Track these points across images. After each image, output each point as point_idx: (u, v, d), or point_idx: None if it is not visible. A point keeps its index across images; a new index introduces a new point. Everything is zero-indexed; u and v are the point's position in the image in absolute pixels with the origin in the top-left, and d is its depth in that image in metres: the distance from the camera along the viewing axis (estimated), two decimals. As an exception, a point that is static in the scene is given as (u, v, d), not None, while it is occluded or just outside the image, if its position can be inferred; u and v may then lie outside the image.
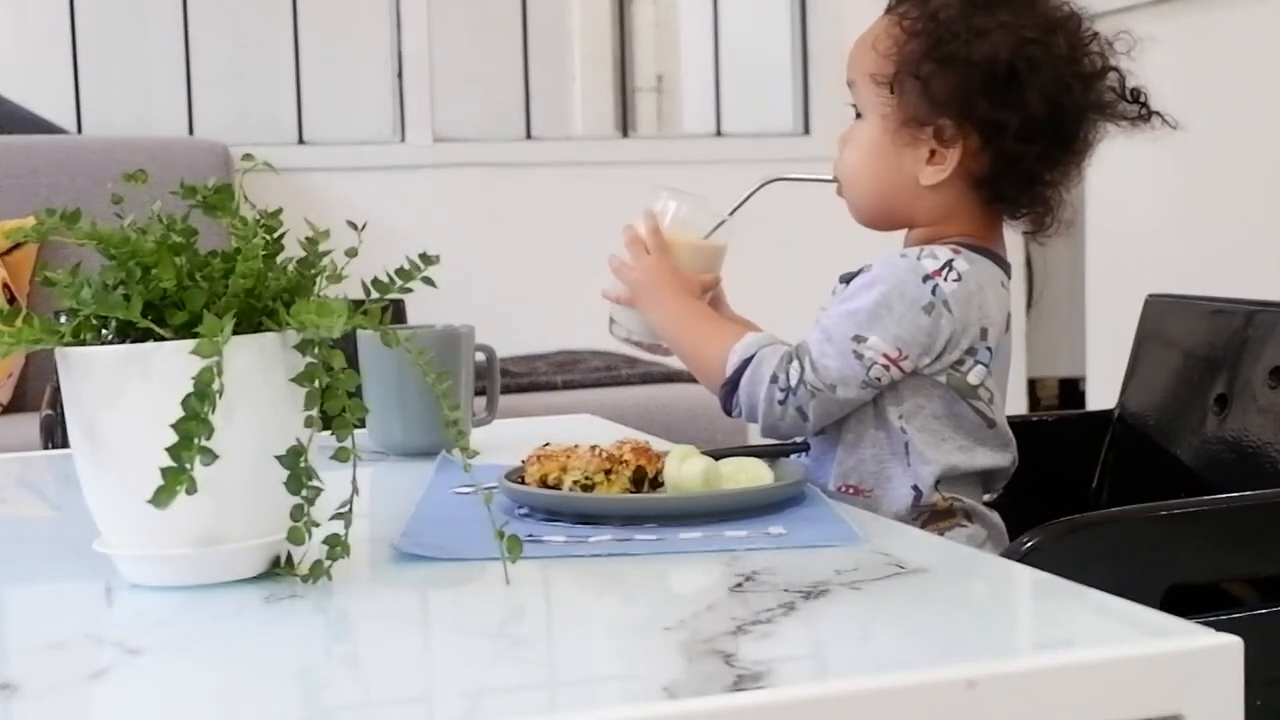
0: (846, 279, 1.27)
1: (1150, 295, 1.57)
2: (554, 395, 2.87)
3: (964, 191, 1.25)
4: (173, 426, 0.79)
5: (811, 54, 3.77)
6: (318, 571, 0.88)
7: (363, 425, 1.37)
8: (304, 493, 0.86)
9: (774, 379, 1.21)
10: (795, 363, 1.21)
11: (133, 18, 3.94)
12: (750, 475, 1.08)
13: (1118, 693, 0.71)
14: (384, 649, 0.79)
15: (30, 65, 3.76)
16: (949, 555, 0.95)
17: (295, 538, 0.87)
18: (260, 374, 0.86)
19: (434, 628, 0.85)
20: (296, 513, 0.87)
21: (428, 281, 0.91)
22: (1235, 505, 1.20)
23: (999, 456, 1.25)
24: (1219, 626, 0.72)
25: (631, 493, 1.05)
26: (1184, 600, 0.99)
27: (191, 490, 0.78)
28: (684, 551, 0.95)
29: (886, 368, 1.19)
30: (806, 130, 3.77)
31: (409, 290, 0.91)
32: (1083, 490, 1.53)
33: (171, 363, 0.83)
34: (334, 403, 0.88)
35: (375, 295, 0.90)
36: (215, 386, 0.80)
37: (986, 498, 1.28)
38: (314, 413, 0.88)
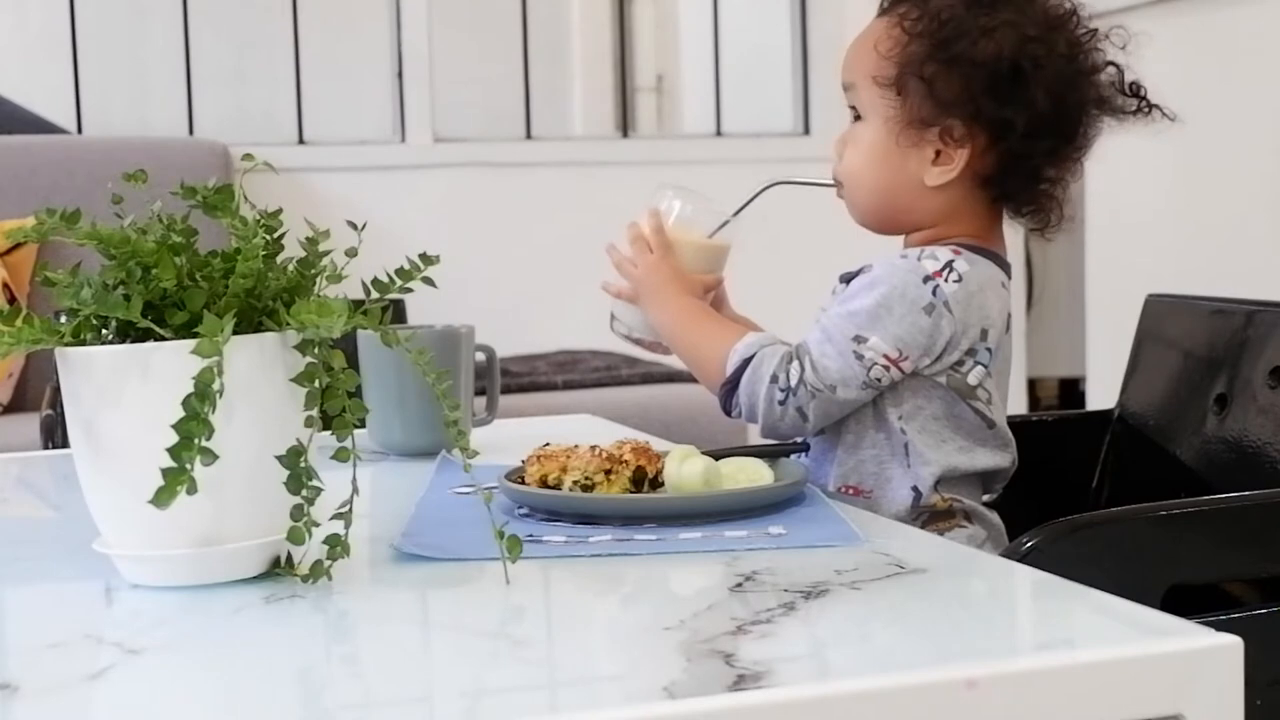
0: (846, 279, 1.27)
1: (1150, 295, 1.57)
2: (554, 395, 2.87)
3: (969, 191, 1.25)
4: (173, 426, 0.79)
5: (811, 54, 3.77)
6: (318, 571, 0.88)
7: (363, 425, 1.37)
8: (304, 493, 0.86)
9: (774, 379, 1.21)
10: (795, 363, 1.21)
11: (133, 18, 3.94)
12: (750, 475, 1.08)
13: (1118, 693, 0.71)
14: (384, 649, 0.79)
15: (30, 65, 3.77)
16: (949, 555, 0.95)
17: (295, 538, 0.87)
18: (260, 374, 0.86)
19: (434, 628, 0.85)
20: (296, 513, 0.87)
21: (428, 281, 0.91)
22: (1235, 505, 1.20)
23: (999, 457, 1.25)
24: (1219, 626, 0.72)
25: (631, 493, 1.05)
26: (1184, 600, 0.99)
27: (191, 490, 0.78)
28: (684, 551, 0.95)
29: (887, 368, 1.19)
30: (806, 130, 3.77)
31: (409, 290, 0.91)
32: (1083, 490, 1.53)
33: (171, 363, 0.83)
34: (334, 403, 0.88)
35: (375, 295, 0.90)
36: (215, 386, 0.80)
37: (986, 498, 1.28)
38: (314, 413, 0.88)
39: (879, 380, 1.20)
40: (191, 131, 3.42)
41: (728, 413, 1.26)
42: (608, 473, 1.05)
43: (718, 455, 1.10)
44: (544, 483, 1.06)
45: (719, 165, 3.45)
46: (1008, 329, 1.25)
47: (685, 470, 1.05)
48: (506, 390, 2.65)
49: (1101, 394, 3.06)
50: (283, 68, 3.50)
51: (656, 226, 1.34)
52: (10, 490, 1.41)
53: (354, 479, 0.89)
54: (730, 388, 1.24)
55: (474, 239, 3.40)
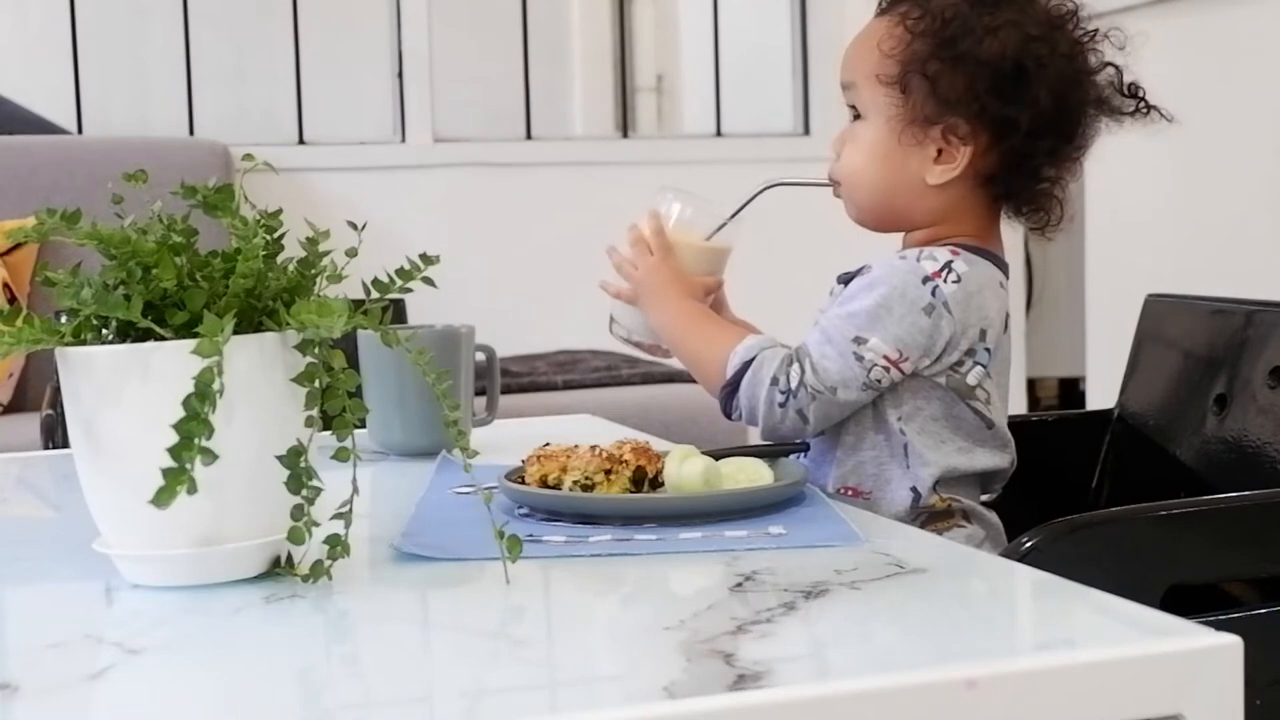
0: (844, 280, 1.27)
1: (1150, 295, 1.57)
2: (554, 395, 2.87)
3: (969, 190, 1.25)
4: (173, 426, 0.79)
5: (811, 54, 3.77)
6: (318, 571, 0.88)
7: (363, 425, 1.37)
8: (304, 493, 0.86)
9: (774, 381, 1.21)
10: (795, 365, 1.21)
11: (133, 18, 3.94)
12: (750, 475, 1.08)
13: (1118, 693, 0.71)
14: (384, 649, 0.79)
15: (30, 65, 3.77)
16: (948, 555, 0.95)
17: (295, 538, 0.87)
18: (260, 374, 0.86)
19: (434, 628, 0.85)
20: (296, 513, 0.87)
21: (428, 281, 0.91)
22: (1235, 505, 1.20)
23: (998, 457, 1.25)
24: (1219, 626, 0.72)
25: (631, 493, 1.05)
26: (1184, 600, 0.99)
27: (192, 490, 0.78)
28: (684, 551, 0.95)
29: (887, 369, 1.20)
30: (806, 130, 3.77)
31: (409, 290, 0.91)
32: (1083, 490, 1.53)
33: (172, 363, 0.83)
34: (334, 403, 0.88)
35: (375, 295, 0.90)
36: (215, 386, 0.80)
37: (984, 498, 1.28)
38: (314, 413, 0.88)
39: (879, 381, 1.20)
40: (191, 131, 3.42)
41: (728, 415, 1.26)
42: (608, 473, 1.05)
43: (718, 455, 1.10)
44: (544, 483, 1.06)
45: (719, 165, 3.45)
46: (1006, 329, 1.25)
47: (685, 470, 1.05)
48: (506, 390, 2.65)
49: (1101, 394, 3.06)
50: (283, 68, 3.50)
51: (657, 229, 1.34)
52: (10, 490, 1.41)
53: (354, 479, 0.89)
54: (730, 390, 1.24)
55: (474, 239, 3.40)
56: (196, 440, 0.79)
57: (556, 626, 0.82)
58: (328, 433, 0.88)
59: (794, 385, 1.20)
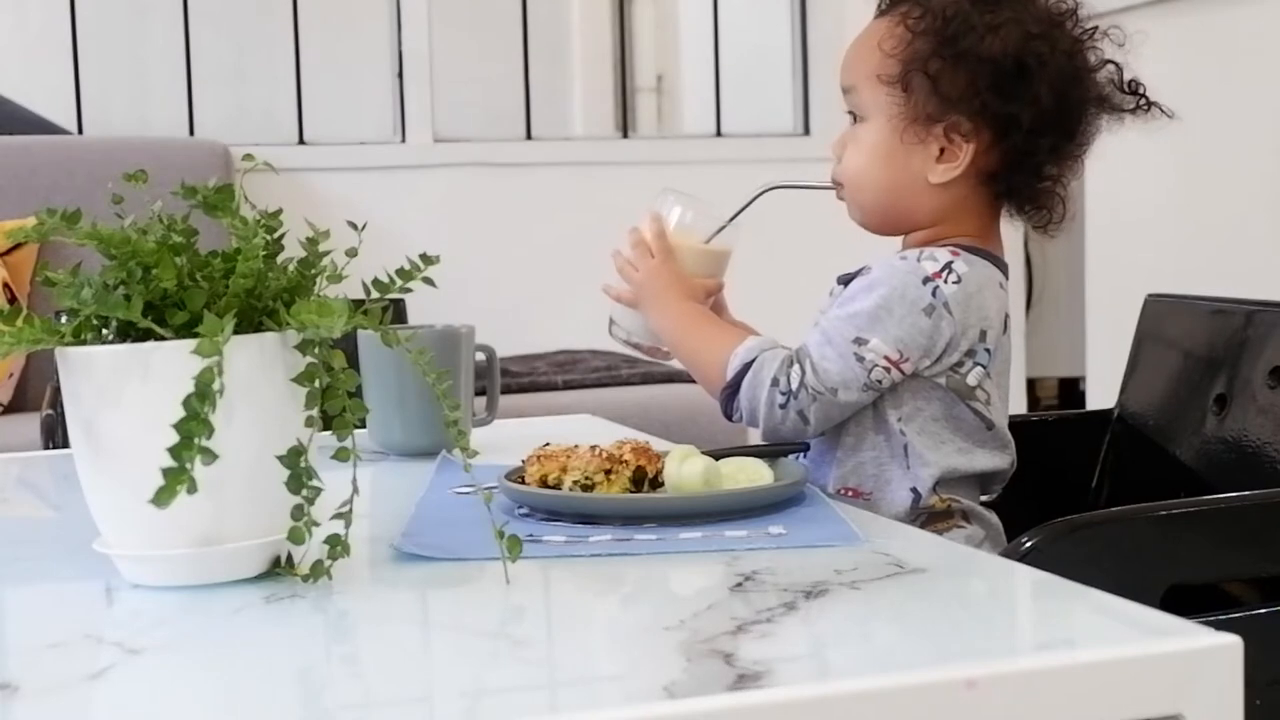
0: (844, 280, 1.28)
1: (1150, 295, 1.57)
2: (554, 395, 2.87)
3: (971, 189, 1.25)
4: (173, 426, 0.79)
5: (811, 54, 3.77)
6: (318, 571, 0.88)
7: (363, 425, 1.37)
8: (304, 493, 0.86)
9: (775, 383, 1.21)
10: (796, 366, 1.21)
11: (133, 18, 3.94)
12: (750, 475, 1.08)
13: (1118, 693, 0.71)
14: (384, 649, 0.79)
15: (30, 65, 3.76)
16: (948, 555, 0.95)
17: (295, 538, 0.87)
18: (260, 374, 0.86)
19: (434, 628, 0.85)
20: (297, 513, 0.87)
21: (428, 281, 0.91)
22: (1235, 505, 1.20)
23: (998, 458, 1.25)
24: (1219, 626, 0.72)
25: (631, 493, 1.05)
26: (1184, 600, 0.99)
27: (192, 490, 0.78)
28: (684, 551, 0.95)
29: (887, 370, 1.20)
30: (806, 131, 3.77)
31: (409, 290, 0.91)
32: (1083, 490, 1.53)
33: (172, 363, 0.83)
34: (334, 403, 0.88)
35: (375, 295, 0.90)
36: (215, 386, 0.80)
37: (983, 498, 1.28)
38: (314, 413, 0.88)
39: (880, 382, 1.20)
40: (192, 131, 3.42)
41: (729, 417, 1.26)
42: (608, 473, 1.05)
43: (718, 455, 1.10)
44: (544, 483, 1.06)
45: (719, 166, 3.45)
46: (1006, 329, 1.25)
47: (685, 470, 1.05)
48: (506, 390, 2.65)
49: (1101, 394, 3.05)
50: (283, 68, 3.50)
51: (658, 231, 1.34)
52: (10, 490, 1.41)
53: (354, 479, 0.89)
54: (731, 392, 1.24)
55: (474, 239, 3.40)
56: (196, 440, 0.79)
57: (556, 626, 0.82)
58: (328, 433, 0.88)
59: (795, 386, 1.20)
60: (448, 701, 0.70)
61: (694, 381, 1.34)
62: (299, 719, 0.69)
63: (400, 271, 0.91)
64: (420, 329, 1.43)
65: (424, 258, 0.91)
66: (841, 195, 1.30)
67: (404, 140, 3.49)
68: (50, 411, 1.79)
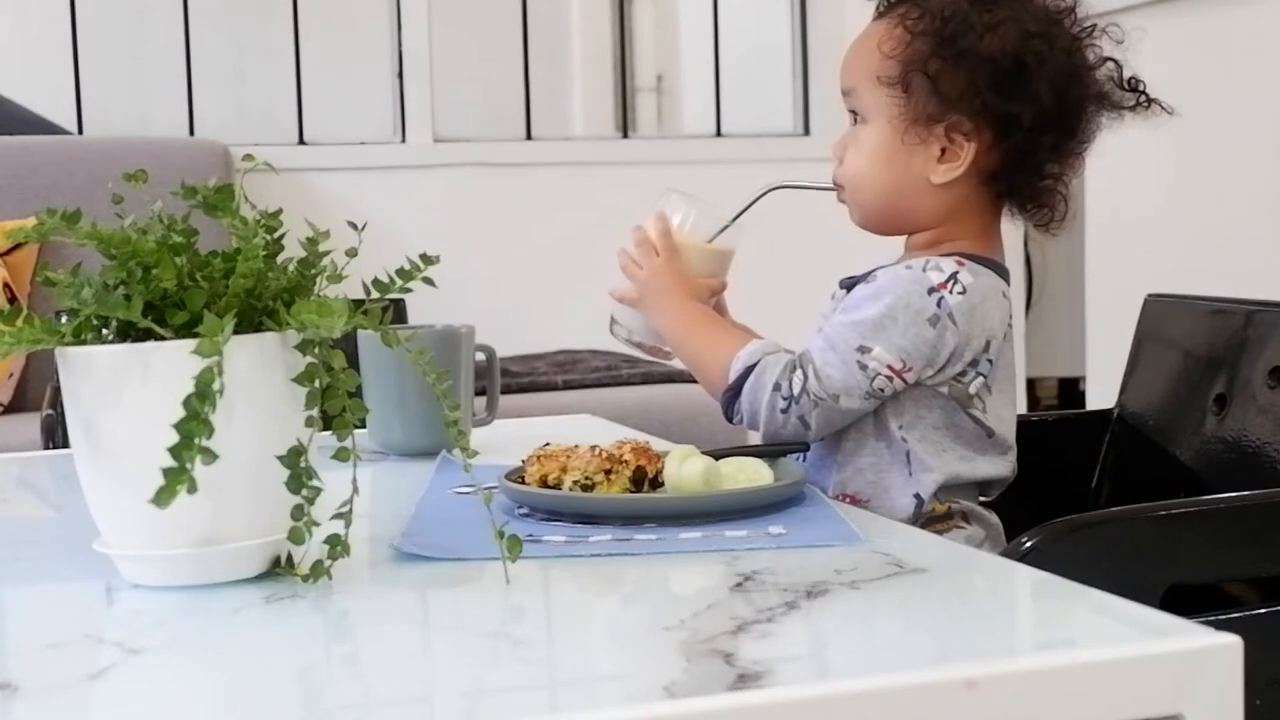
0: (847, 285, 1.27)
1: (1150, 295, 1.57)
2: (554, 395, 2.87)
3: (973, 189, 1.25)
4: (173, 426, 0.79)
5: (811, 54, 3.77)
6: (318, 571, 0.88)
7: (363, 425, 1.37)
8: (304, 493, 0.86)
9: (777, 387, 1.21)
10: (798, 371, 1.21)
11: (133, 18, 3.94)
12: (750, 475, 1.08)
13: (1118, 693, 0.71)
14: (384, 649, 0.79)
15: (30, 65, 3.76)
16: (949, 555, 0.95)
17: (295, 538, 0.87)
18: (260, 374, 0.86)
19: (434, 628, 0.85)
20: (297, 513, 0.87)
21: (428, 281, 0.91)
22: (1235, 505, 1.20)
23: (999, 465, 1.25)
24: (1219, 626, 0.72)
25: (631, 493, 1.05)
26: (1184, 600, 0.99)
27: (192, 490, 0.78)
28: (684, 551, 0.95)
29: (890, 379, 1.19)
30: (806, 131, 3.77)
31: (409, 290, 0.91)
32: (1083, 490, 1.53)
33: (172, 363, 0.83)
34: (334, 403, 0.88)
35: (375, 295, 0.90)
36: (216, 386, 0.80)
37: (982, 499, 1.28)
38: (314, 413, 0.88)
39: (882, 390, 1.20)
40: (192, 131, 3.42)
41: (729, 419, 1.26)
42: (608, 473, 1.05)
43: (718, 455, 1.10)
44: (544, 483, 1.06)
45: (719, 166, 3.45)
46: (1007, 337, 1.25)
47: (685, 470, 1.05)
48: (506, 390, 2.65)
49: (1101, 394, 3.05)
50: (283, 68, 3.50)
51: (664, 229, 1.34)
52: (10, 490, 1.41)
53: (354, 479, 0.89)
54: (733, 394, 1.24)
55: (474, 239, 3.40)
56: (196, 440, 0.79)
57: (556, 626, 0.82)
58: (328, 433, 0.88)
59: (796, 391, 1.20)
60: (448, 701, 0.70)
61: (694, 381, 1.34)
62: (299, 719, 0.69)
63: (400, 271, 0.91)
64: (420, 329, 1.43)
65: (424, 258, 0.91)
66: (843, 198, 1.30)
67: (404, 140, 3.49)
68: (50, 411, 1.79)
